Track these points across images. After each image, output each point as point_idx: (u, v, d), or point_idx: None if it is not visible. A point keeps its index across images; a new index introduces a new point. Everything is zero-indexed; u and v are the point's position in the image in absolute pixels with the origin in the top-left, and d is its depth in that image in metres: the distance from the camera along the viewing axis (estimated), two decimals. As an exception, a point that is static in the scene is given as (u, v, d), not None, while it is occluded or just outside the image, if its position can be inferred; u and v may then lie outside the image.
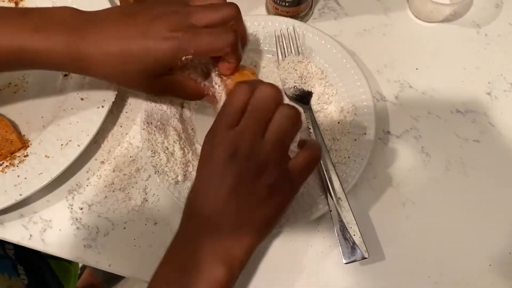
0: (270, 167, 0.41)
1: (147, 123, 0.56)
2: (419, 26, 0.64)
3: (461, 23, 0.64)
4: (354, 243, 0.49)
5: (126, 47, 0.46)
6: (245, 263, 0.42)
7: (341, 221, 0.50)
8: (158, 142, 0.55)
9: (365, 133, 0.55)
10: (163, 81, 0.50)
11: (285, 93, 0.58)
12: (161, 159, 0.54)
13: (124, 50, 0.46)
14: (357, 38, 0.64)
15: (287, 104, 0.43)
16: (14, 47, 0.46)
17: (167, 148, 0.55)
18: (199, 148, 0.57)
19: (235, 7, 0.50)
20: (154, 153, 0.55)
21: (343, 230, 0.50)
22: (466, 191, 0.56)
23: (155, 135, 0.55)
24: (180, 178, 0.54)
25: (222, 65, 0.50)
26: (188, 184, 0.54)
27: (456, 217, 0.55)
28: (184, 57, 0.47)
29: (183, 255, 0.43)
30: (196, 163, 0.55)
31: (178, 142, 0.55)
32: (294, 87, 0.58)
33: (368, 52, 0.63)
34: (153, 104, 0.57)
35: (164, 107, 0.57)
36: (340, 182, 0.52)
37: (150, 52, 0.46)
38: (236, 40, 0.48)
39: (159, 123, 0.56)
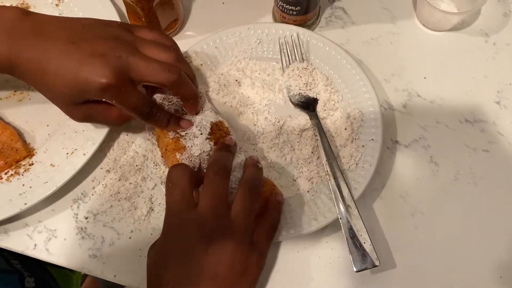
0: (244, 245, 0.45)
1: (152, 133, 0.55)
2: (426, 34, 0.64)
3: (469, 32, 0.64)
4: (364, 250, 0.48)
5: (59, 68, 0.45)
6: None
7: (351, 229, 0.50)
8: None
9: (372, 139, 0.54)
10: (84, 109, 0.49)
11: (291, 100, 0.58)
12: (163, 171, 0.54)
13: (55, 70, 0.45)
14: (364, 46, 0.63)
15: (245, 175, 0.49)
16: None
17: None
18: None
19: (177, 50, 0.51)
20: (156, 165, 0.55)
21: (354, 238, 0.49)
22: (476, 201, 0.55)
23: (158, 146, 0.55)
24: None
25: (185, 105, 0.52)
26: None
27: (465, 228, 0.54)
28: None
29: None
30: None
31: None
32: (299, 94, 0.58)
33: (376, 60, 0.62)
34: None
35: None
36: (349, 189, 0.51)
37: (78, 82, 0.45)
38: (181, 78, 0.48)
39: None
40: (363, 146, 0.54)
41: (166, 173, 0.53)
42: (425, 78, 0.61)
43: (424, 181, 0.56)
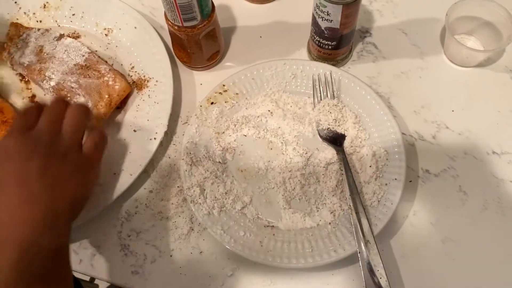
0: (70, 155, 0.50)
1: (187, 154, 0.59)
2: (454, 70, 0.67)
3: (495, 68, 0.67)
4: (380, 286, 0.50)
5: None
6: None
7: (368, 263, 0.51)
8: (193, 176, 0.58)
9: (395, 179, 0.57)
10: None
11: (319, 134, 0.61)
12: (194, 191, 0.57)
13: None
14: (394, 79, 0.67)
15: (75, 103, 0.54)
16: None
17: (200, 183, 0.58)
18: (229, 184, 0.59)
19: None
20: (191, 186, 0.57)
21: (371, 273, 0.51)
22: (504, 231, 0.57)
23: (191, 168, 0.58)
24: (214, 211, 0.56)
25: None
26: (224, 217, 0.56)
27: (494, 257, 0.56)
28: None
29: None
30: (228, 199, 0.58)
31: (209, 178, 0.58)
32: (328, 129, 0.60)
33: (405, 93, 0.65)
34: (193, 139, 0.60)
35: (203, 143, 0.60)
36: (369, 225, 0.53)
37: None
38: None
39: (196, 157, 0.59)
40: (386, 184, 0.57)
41: (198, 193, 0.57)
42: (453, 111, 0.64)
43: (453, 209, 0.58)
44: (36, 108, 0.52)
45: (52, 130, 0.51)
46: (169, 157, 0.62)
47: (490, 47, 0.65)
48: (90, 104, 0.61)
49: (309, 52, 0.68)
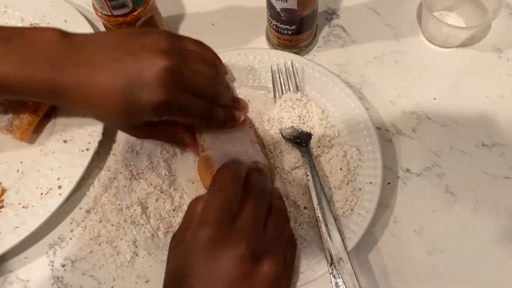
0: (272, 261, 0.39)
1: (125, 166, 0.50)
2: (434, 52, 0.59)
3: (480, 47, 0.59)
4: None
5: (109, 92, 0.40)
6: None
7: (340, 286, 0.43)
8: (134, 192, 0.50)
9: (370, 182, 0.48)
10: (149, 125, 0.45)
11: (281, 134, 0.52)
12: (134, 210, 0.48)
13: (104, 95, 0.41)
14: (366, 66, 0.58)
15: (276, 191, 0.45)
16: None
17: (142, 200, 0.49)
18: (178, 200, 0.50)
19: (217, 65, 0.50)
20: (131, 205, 0.49)
21: None
22: (499, 234, 0.49)
23: (131, 183, 0.50)
24: (160, 233, 0.48)
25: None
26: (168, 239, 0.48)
27: (489, 265, 0.48)
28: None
29: None
30: (176, 217, 0.49)
31: (153, 194, 0.50)
32: (291, 127, 0.52)
33: (380, 81, 0.57)
34: (133, 148, 0.51)
35: (145, 152, 0.52)
36: (342, 239, 0.45)
37: (131, 103, 0.41)
38: (221, 93, 0.47)
39: (137, 169, 0.51)
40: (360, 189, 0.49)
41: (140, 213, 0.49)
42: (435, 99, 0.56)
43: (440, 213, 0.50)
44: (234, 186, 0.41)
45: (258, 233, 0.39)
46: (108, 170, 0.54)
47: (474, 24, 0.57)
48: (10, 115, 0.52)
49: (268, 39, 0.60)
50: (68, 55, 0.41)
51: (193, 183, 0.51)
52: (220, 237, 0.38)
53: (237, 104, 0.52)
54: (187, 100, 0.43)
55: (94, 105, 0.42)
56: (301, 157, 0.51)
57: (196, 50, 0.47)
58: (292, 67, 0.54)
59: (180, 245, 0.40)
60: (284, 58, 0.55)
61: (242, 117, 0.50)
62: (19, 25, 0.60)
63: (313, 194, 0.47)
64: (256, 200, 0.41)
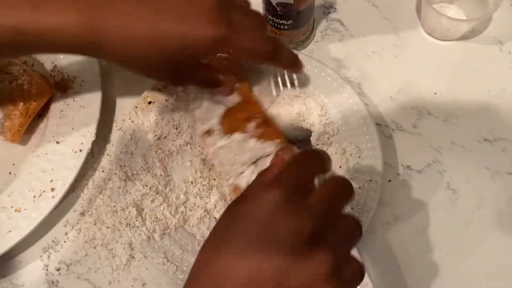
0: (330, 253, 0.31)
1: (120, 166, 0.49)
2: (434, 45, 0.58)
3: (481, 40, 0.58)
4: None
5: (158, 30, 0.38)
6: None
7: None
8: (129, 193, 0.48)
9: (370, 180, 0.47)
10: (189, 70, 0.42)
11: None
12: (130, 212, 0.47)
13: (154, 33, 0.38)
14: (365, 61, 0.57)
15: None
16: (9, 27, 0.37)
17: (137, 201, 0.48)
18: (174, 201, 0.49)
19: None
20: (126, 207, 0.48)
21: None
22: (503, 232, 0.48)
23: (125, 184, 0.49)
24: (156, 235, 0.47)
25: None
26: (167, 242, 0.47)
27: (493, 263, 0.47)
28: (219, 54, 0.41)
29: None
30: (172, 220, 0.48)
31: (149, 195, 0.48)
32: (291, 125, 0.51)
33: (379, 76, 0.56)
34: (128, 148, 0.50)
35: (140, 152, 0.50)
36: None
37: (186, 39, 0.38)
38: (280, 47, 0.44)
39: (132, 170, 0.49)
40: (359, 187, 0.47)
41: (135, 214, 0.47)
42: (435, 93, 0.55)
43: (442, 211, 0.49)
44: (319, 168, 0.35)
45: (328, 222, 0.32)
46: (103, 171, 0.52)
47: (474, 16, 0.55)
48: (0, 116, 0.50)
49: (265, 34, 0.58)
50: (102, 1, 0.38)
51: (191, 183, 0.50)
52: (288, 203, 0.31)
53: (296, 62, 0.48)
54: (245, 34, 0.40)
55: (137, 56, 0.39)
56: None
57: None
58: None
59: (238, 203, 0.34)
60: (281, 53, 0.53)
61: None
62: None
63: None
64: (336, 186, 0.34)
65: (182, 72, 0.43)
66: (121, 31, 0.38)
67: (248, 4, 0.45)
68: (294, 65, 0.47)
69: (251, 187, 0.34)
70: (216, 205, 0.49)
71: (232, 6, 0.41)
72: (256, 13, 0.44)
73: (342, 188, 0.34)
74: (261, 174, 0.35)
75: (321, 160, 0.36)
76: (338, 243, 0.32)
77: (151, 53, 0.39)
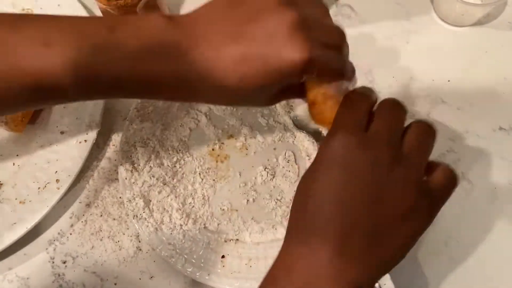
0: (416, 182, 0.33)
1: (126, 157, 0.48)
2: (447, 31, 0.56)
3: (496, 25, 0.56)
4: None
5: (243, 55, 0.34)
6: None
7: None
8: (135, 184, 0.47)
9: None
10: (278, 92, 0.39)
11: (293, 122, 0.50)
12: (137, 204, 0.46)
13: (242, 60, 0.34)
14: (376, 48, 0.56)
15: (421, 122, 0.36)
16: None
17: (144, 193, 0.47)
18: (182, 191, 0.48)
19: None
20: (132, 198, 0.47)
21: None
22: (519, 223, 0.47)
23: (132, 175, 0.48)
24: (163, 227, 0.46)
25: None
26: (175, 234, 0.46)
27: (509, 255, 0.46)
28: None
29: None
30: (180, 211, 0.47)
31: (156, 186, 0.48)
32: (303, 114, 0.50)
33: (390, 63, 0.55)
34: (134, 138, 0.49)
35: (145, 144, 0.49)
36: None
37: (279, 54, 0.35)
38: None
39: (139, 161, 0.48)
40: None
41: (142, 206, 0.46)
42: (449, 81, 0.53)
43: (456, 202, 0.48)
44: (366, 103, 0.36)
45: (394, 141, 0.35)
46: (109, 161, 0.51)
47: (489, 0, 0.54)
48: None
49: (273, 21, 0.57)
50: (184, 40, 0.35)
51: (199, 174, 0.49)
52: (355, 142, 0.33)
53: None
54: (328, 55, 0.37)
55: (227, 86, 0.36)
56: (317, 146, 0.48)
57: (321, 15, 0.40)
58: None
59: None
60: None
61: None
62: (11, 10, 0.57)
63: None
64: (390, 111, 0.36)
65: (275, 95, 0.40)
66: (207, 76, 0.35)
67: (326, 13, 0.40)
68: (352, 76, 0.44)
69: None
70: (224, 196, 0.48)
71: (312, 18, 0.36)
72: (335, 28, 0.39)
73: (398, 109, 0.36)
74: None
75: (368, 97, 0.37)
76: (415, 157, 0.34)
77: (242, 89, 0.36)
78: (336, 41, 0.38)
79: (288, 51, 0.34)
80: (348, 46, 0.40)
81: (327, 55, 0.36)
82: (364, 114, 0.35)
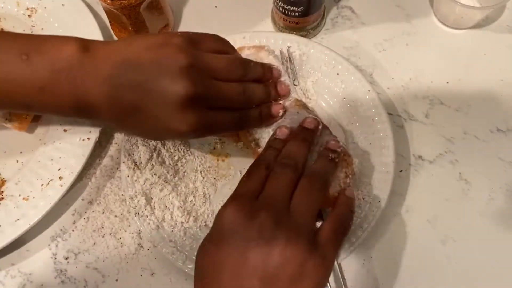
0: (300, 242, 0.35)
1: (128, 155, 0.49)
2: (446, 33, 0.57)
3: (495, 28, 0.57)
4: None
5: (135, 99, 0.39)
6: None
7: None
8: (137, 182, 0.48)
9: (382, 170, 0.47)
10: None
11: None
12: (138, 201, 0.47)
13: (133, 99, 0.39)
14: (377, 49, 0.56)
15: (312, 166, 0.41)
16: (20, 102, 0.41)
17: (146, 190, 0.48)
18: (183, 189, 0.49)
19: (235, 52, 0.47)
20: (134, 196, 0.48)
21: None
22: (515, 224, 0.48)
23: (134, 173, 0.48)
24: (165, 224, 0.47)
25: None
26: (176, 231, 0.46)
27: (505, 255, 0.47)
28: None
29: None
30: (181, 209, 0.48)
31: (158, 184, 0.48)
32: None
33: (390, 65, 0.55)
34: (135, 139, 0.49)
35: (147, 143, 0.50)
36: None
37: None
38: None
39: (140, 159, 0.49)
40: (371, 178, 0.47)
41: (144, 203, 0.47)
42: (447, 82, 0.54)
43: (454, 202, 0.49)
44: (262, 172, 0.40)
45: (280, 206, 0.37)
46: (111, 159, 0.52)
47: (488, 4, 0.54)
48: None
49: (274, 22, 0.57)
50: (89, 73, 0.39)
51: (200, 172, 0.50)
52: (243, 212, 0.36)
53: (269, 74, 0.46)
54: (216, 119, 0.41)
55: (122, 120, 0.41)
56: None
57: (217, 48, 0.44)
58: (288, 55, 0.52)
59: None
60: (291, 41, 0.53)
61: (281, 112, 0.45)
62: (15, 9, 0.57)
63: None
64: (279, 175, 0.39)
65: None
66: (102, 108, 0.40)
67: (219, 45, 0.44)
68: (269, 76, 0.46)
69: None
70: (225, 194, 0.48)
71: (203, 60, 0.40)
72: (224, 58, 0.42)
73: (289, 167, 0.40)
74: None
75: (263, 161, 0.41)
76: (299, 221, 0.37)
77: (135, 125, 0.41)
78: (235, 72, 0.42)
79: (173, 84, 0.38)
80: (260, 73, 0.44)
81: (218, 118, 0.41)
82: (259, 183, 0.39)
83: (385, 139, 0.48)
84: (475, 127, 0.52)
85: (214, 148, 0.51)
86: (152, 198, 0.47)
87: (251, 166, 0.41)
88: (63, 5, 0.56)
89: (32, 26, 0.57)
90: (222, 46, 0.44)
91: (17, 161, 0.51)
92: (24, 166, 0.50)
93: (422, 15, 0.58)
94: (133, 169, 0.48)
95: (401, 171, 0.50)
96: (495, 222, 0.48)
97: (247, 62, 0.44)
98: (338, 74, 0.51)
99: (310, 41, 0.53)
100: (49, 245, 0.49)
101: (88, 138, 0.49)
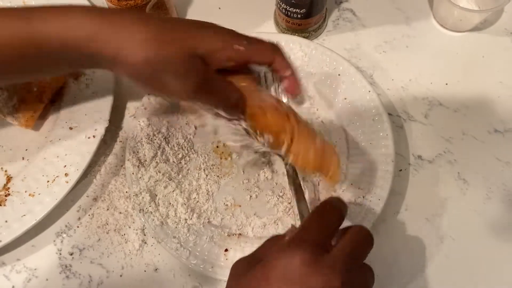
0: None
1: (133, 153, 0.49)
2: (445, 36, 0.58)
3: (493, 31, 0.58)
4: None
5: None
6: None
7: None
8: (142, 179, 0.49)
9: (382, 169, 0.48)
10: (212, 81, 0.40)
11: None
12: (143, 198, 0.48)
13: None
14: (377, 51, 0.57)
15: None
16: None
17: (150, 187, 0.48)
18: (187, 187, 0.50)
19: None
20: (139, 192, 0.48)
21: None
22: (512, 223, 0.49)
23: (139, 170, 0.49)
24: (169, 220, 0.47)
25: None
26: (180, 227, 0.47)
27: (502, 253, 0.48)
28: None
29: None
30: (185, 206, 0.48)
31: (162, 181, 0.49)
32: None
33: (390, 66, 0.56)
34: (141, 135, 0.50)
35: (151, 140, 0.50)
36: None
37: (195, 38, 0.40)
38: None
39: (145, 156, 0.49)
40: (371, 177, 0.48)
41: (149, 200, 0.48)
42: (446, 84, 0.55)
43: (452, 201, 0.50)
44: (337, 220, 0.36)
45: (350, 271, 0.33)
46: (116, 157, 0.53)
47: (487, 7, 0.55)
48: (15, 102, 0.50)
49: (277, 23, 0.58)
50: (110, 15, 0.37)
51: (204, 170, 0.50)
52: (314, 261, 0.32)
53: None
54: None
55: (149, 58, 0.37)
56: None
57: None
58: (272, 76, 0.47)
59: (256, 266, 0.34)
60: (293, 42, 0.53)
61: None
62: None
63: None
64: (357, 238, 0.35)
65: (205, 84, 0.41)
66: (128, 34, 0.37)
67: None
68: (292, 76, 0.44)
69: (266, 250, 0.35)
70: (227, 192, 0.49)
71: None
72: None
73: (364, 239, 0.35)
74: (274, 239, 0.37)
75: (339, 212, 0.36)
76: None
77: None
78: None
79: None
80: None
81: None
82: (332, 232, 0.35)
83: (385, 139, 0.49)
84: (473, 127, 0.53)
85: (217, 147, 0.52)
86: (156, 195, 0.48)
87: (321, 208, 0.37)
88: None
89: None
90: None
91: (23, 158, 0.52)
92: (30, 163, 0.51)
93: (422, 18, 0.59)
94: (138, 166, 0.49)
95: (401, 170, 0.51)
96: (492, 220, 0.49)
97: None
98: (339, 75, 0.52)
99: (312, 43, 0.54)
100: (54, 240, 0.50)
101: (94, 136, 0.50)
